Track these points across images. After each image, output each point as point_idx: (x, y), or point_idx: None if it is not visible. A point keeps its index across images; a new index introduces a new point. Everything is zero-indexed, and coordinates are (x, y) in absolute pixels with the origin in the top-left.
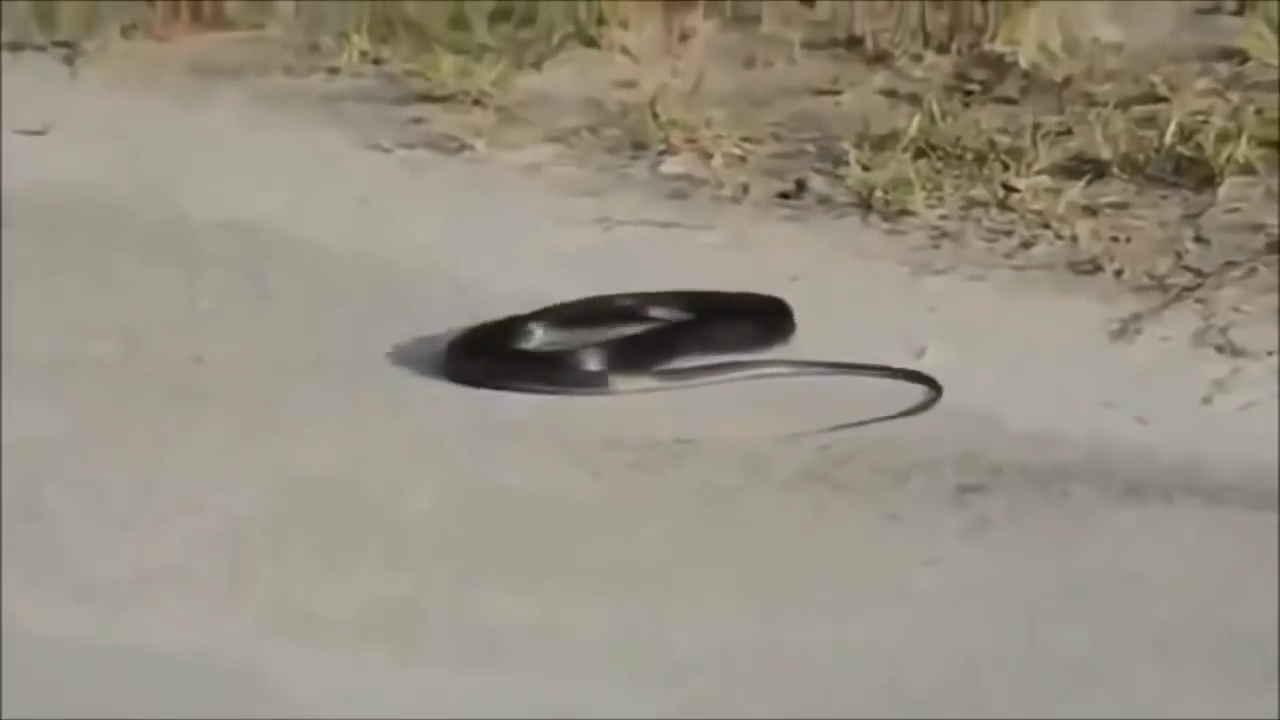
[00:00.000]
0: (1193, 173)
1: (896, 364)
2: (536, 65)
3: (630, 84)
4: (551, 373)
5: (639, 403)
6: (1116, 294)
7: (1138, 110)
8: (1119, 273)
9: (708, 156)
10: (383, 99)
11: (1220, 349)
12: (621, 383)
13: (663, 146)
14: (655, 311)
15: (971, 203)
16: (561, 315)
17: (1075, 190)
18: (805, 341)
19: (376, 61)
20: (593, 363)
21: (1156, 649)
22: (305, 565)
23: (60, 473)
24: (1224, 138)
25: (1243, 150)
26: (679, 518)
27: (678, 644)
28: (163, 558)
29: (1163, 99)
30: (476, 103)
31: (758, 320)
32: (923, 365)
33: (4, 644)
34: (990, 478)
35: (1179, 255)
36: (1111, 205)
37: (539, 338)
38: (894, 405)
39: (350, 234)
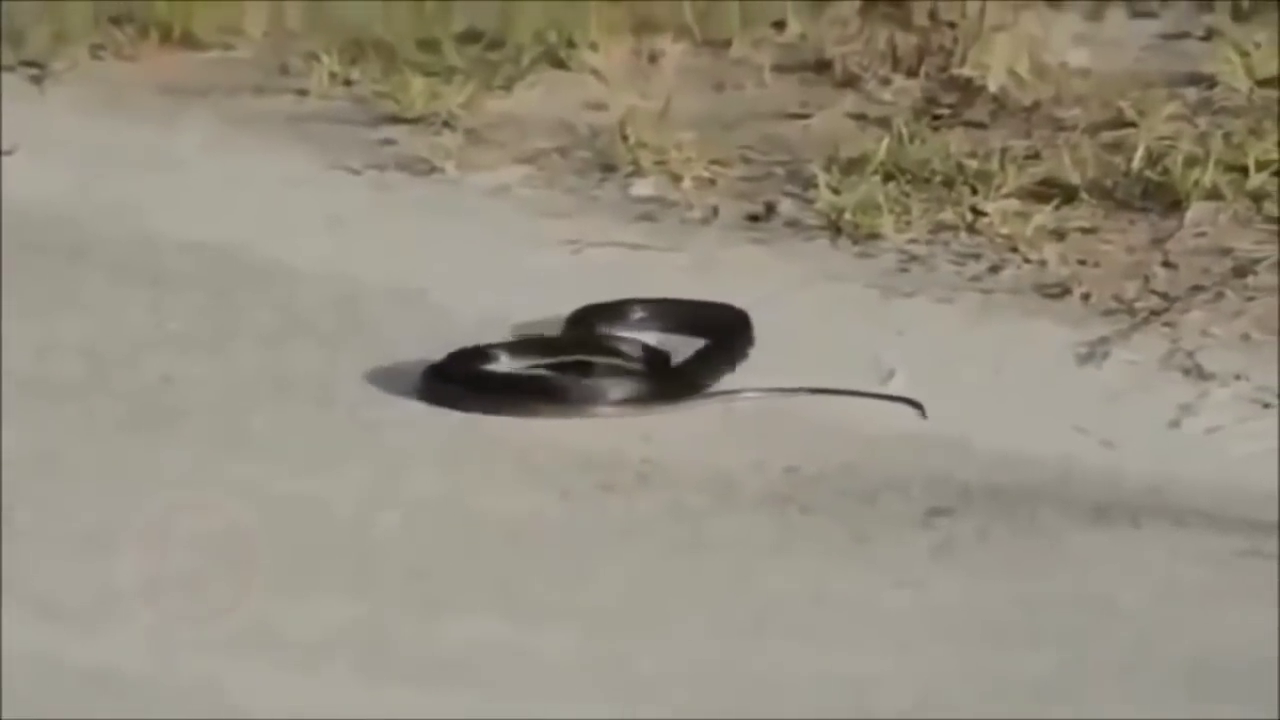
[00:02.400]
0: (1160, 197)
1: (864, 386)
2: (506, 87)
3: (600, 106)
4: (527, 397)
5: (608, 424)
6: (1084, 317)
7: (1106, 135)
8: (1086, 296)
9: (677, 179)
10: (352, 120)
11: (1187, 372)
12: (597, 409)
13: (632, 169)
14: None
15: (940, 226)
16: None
17: (1044, 214)
18: (774, 363)
19: (346, 83)
20: (574, 387)
21: (1123, 671)
22: (273, 586)
23: (27, 492)
24: (1192, 162)
25: (1210, 175)
26: (648, 538)
27: (645, 665)
28: (130, 577)
29: (1131, 124)
30: (446, 124)
31: (723, 346)
32: (890, 388)
33: None
34: (958, 500)
35: (1146, 279)
36: (1080, 229)
37: (506, 364)
38: (864, 428)
39: (319, 255)
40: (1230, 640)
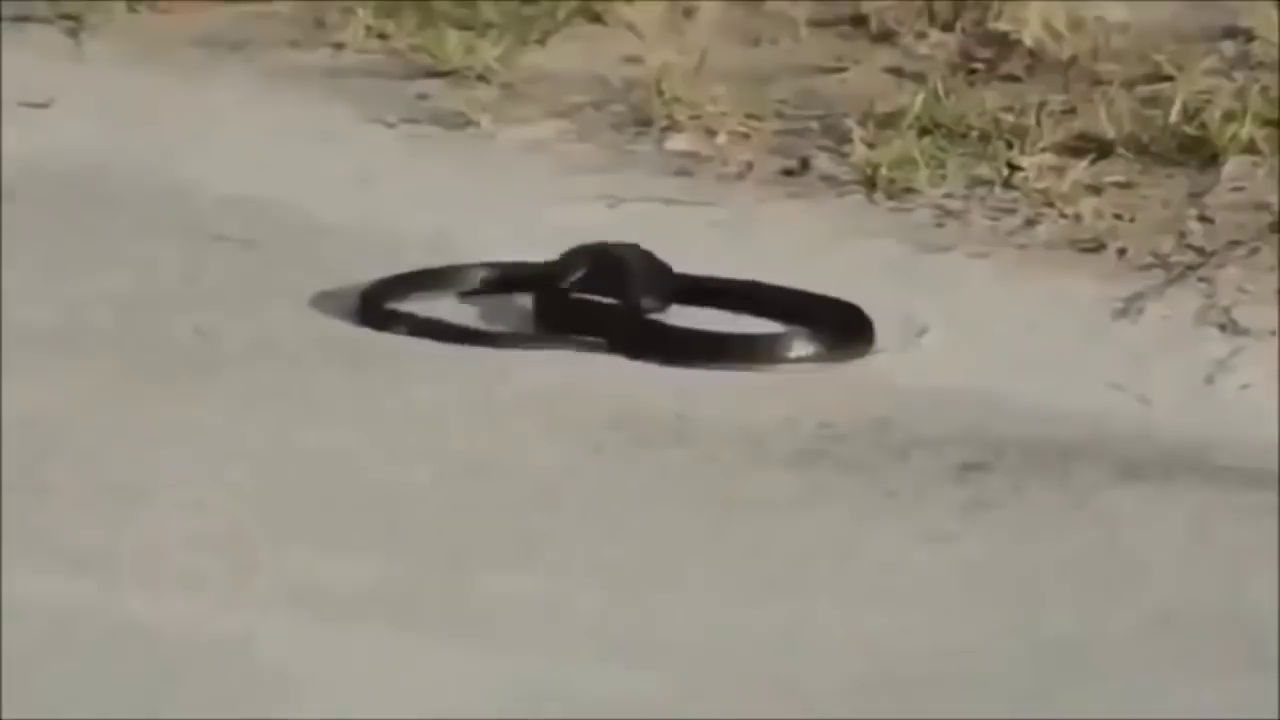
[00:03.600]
0: (1197, 152)
1: (898, 342)
2: (542, 41)
3: (635, 60)
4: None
5: (642, 377)
6: (1119, 273)
7: (1143, 89)
8: (1122, 251)
9: (712, 134)
10: (387, 74)
11: (1223, 328)
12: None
13: (667, 123)
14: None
15: (976, 181)
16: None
17: (1079, 169)
18: None
19: (381, 37)
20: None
21: (1155, 628)
22: (304, 540)
23: (60, 446)
24: (1229, 117)
25: (1247, 129)
26: (680, 493)
27: (675, 621)
28: (161, 531)
29: (1168, 78)
30: (481, 79)
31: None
32: (925, 343)
33: (1, 616)
34: (991, 456)
35: (1182, 234)
36: (1116, 184)
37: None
38: (898, 383)
39: (354, 209)
40: (1263, 597)
